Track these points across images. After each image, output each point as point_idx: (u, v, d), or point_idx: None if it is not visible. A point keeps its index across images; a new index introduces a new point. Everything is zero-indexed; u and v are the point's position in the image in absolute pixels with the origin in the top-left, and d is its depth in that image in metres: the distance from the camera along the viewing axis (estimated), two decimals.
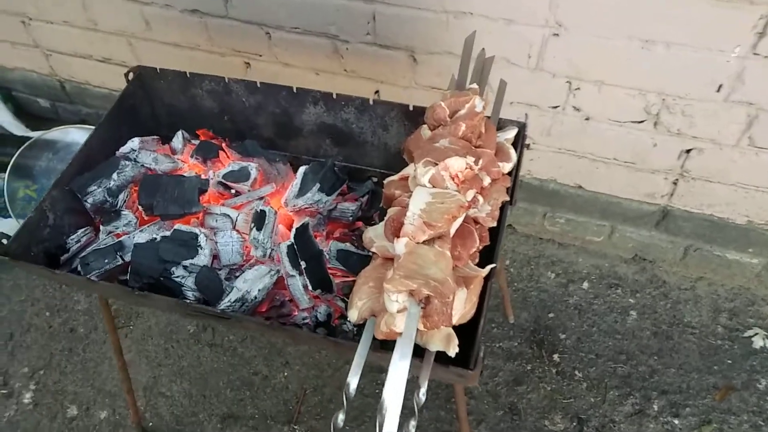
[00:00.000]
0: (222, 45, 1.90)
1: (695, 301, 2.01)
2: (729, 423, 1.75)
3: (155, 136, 1.32)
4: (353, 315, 0.91)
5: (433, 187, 0.91)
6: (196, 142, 1.32)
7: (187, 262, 1.03)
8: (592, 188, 1.90)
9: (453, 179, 0.90)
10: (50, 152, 2.27)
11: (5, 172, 2.14)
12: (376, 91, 1.86)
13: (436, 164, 0.91)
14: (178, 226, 1.06)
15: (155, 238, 1.05)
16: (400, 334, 0.82)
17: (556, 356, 1.92)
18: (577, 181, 1.90)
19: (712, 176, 1.69)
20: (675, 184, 1.76)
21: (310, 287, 1.04)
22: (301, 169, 1.20)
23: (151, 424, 1.88)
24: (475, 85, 1.06)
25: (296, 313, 1.07)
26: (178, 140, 1.31)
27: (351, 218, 1.20)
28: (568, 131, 1.74)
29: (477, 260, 0.94)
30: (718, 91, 1.46)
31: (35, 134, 2.26)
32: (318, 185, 1.15)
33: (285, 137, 1.36)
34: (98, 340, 2.06)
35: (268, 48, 1.86)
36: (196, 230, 1.05)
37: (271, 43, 1.84)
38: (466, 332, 0.89)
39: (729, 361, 1.87)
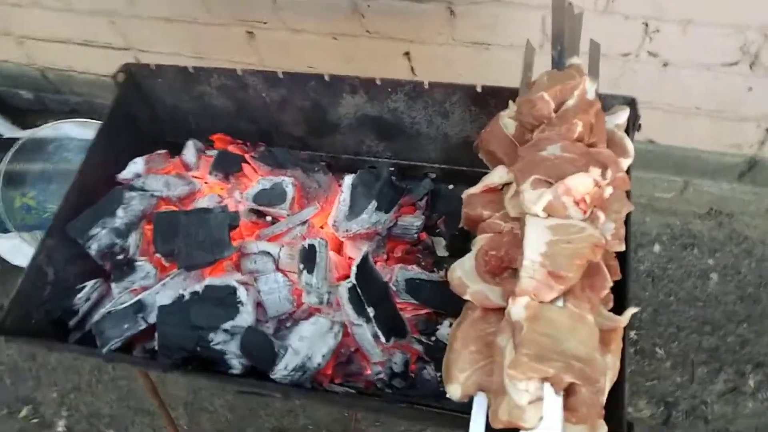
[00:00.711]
0: (222, 14, 1.61)
1: None
2: None
3: (162, 151, 1.07)
4: (455, 392, 0.70)
5: (550, 216, 0.67)
6: (213, 152, 1.07)
7: (227, 325, 0.81)
8: (666, 142, 1.64)
9: (578, 204, 0.66)
10: (43, 153, 2.03)
11: None
12: (406, 53, 1.58)
13: (551, 184, 0.67)
14: (209, 280, 0.83)
15: (183, 296, 0.83)
16: (530, 429, 0.60)
17: (632, 333, 1.72)
18: (648, 135, 1.64)
19: None
20: None
21: (382, 338, 0.83)
22: (348, 180, 0.96)
23: None
24: (577, 60, 0.79)
25: (368, 371, 0.86)
26: (190, 152, 1.06)
27: (415, 234, 0.97)
28: (641, 81, 1.47)
29: (611, 304, 0.71)
30: None
31: (23, 134, 2.00)
32: (374, 203, 0.91)
33: (319, 135, 1.11)
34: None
35: (274, 12, 1.57)
36: (233, 282, 0.82)
37: (276, 6, 1.55)
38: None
39: None
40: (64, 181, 2.04)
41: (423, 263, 0.99)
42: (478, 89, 0.95)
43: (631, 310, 0.69)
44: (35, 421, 1.85)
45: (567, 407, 0.60)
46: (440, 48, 1.55)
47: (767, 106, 1.43)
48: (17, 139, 1.97)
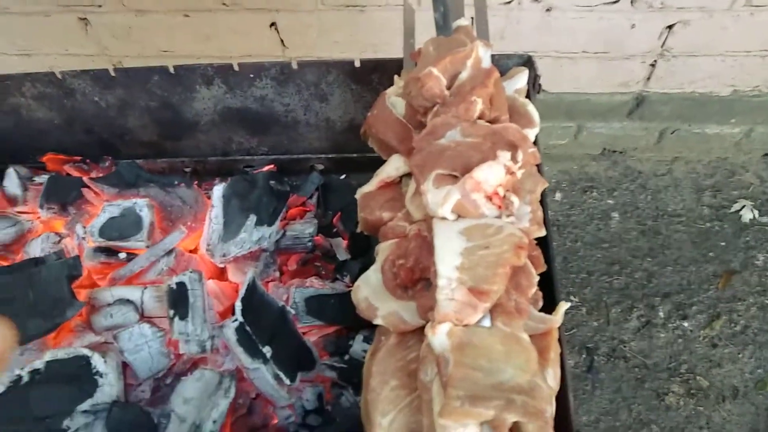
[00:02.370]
0: (38, 1, 1.33)
1: (675, 185, 1.83)
2: (737, 311, 1.64)
3: None
4: None
5: (460, 217, 0.56)
6: (43, 178, 0.85)
7: (85, 405, 0.64)
8: (556, 89, 1.59)
9: (491, 199, 0.55)
10: None
11: None
12: (272, 24, 1.40)
13: (456, 177, 0.55)
14: (51, 353, 0.64)
15: (20, 378, 0.64)
16: None
17: None
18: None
19: (698, 50, 1.42)
20: (653, 66, 1.49)
21: (285, 380, 0.69)
22: (218, 192, 0.79)
23: None
24: (463, 21, 0.67)
25: (275, 419, 0.72)
26: (11, 182, 0.84)
27: (309, 242, 0.83)
28: (526, 30, 1.39)
29: (541, 303, 0.62)
30: None
31: None
32: (253, 217, 0.76)
33: (175, 138, 0.92)
34: None
35: None
36: (84, 351, 0.64)
37: None
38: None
39: (722, 243, 1.74)
40: None
41: (323, 272, 0.85)
42: (356, 64, 0.80)
43: (564, 306, 0.60)
44: None
45: None
46: (310, 15, 1.38)
47: (650, 41, 1.41)
48: None
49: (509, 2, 1.32)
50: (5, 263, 0.77)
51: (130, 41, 1.45)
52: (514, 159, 0.56)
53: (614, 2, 1.30)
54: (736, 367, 1.57)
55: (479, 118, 0.60)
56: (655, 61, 1.47)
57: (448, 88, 0.61)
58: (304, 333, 0.78)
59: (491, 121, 0.64)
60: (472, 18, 0.79)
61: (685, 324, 1.64)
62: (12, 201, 0.85)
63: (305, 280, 0.81)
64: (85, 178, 0.83)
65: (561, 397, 0.60)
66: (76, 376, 0.64)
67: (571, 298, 1.69)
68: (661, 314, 1.65)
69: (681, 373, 1.57)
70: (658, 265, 1.72)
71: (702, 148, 1.80)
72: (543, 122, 1.66)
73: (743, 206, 1.77)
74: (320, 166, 0.96)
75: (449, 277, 0.52)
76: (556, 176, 1.86)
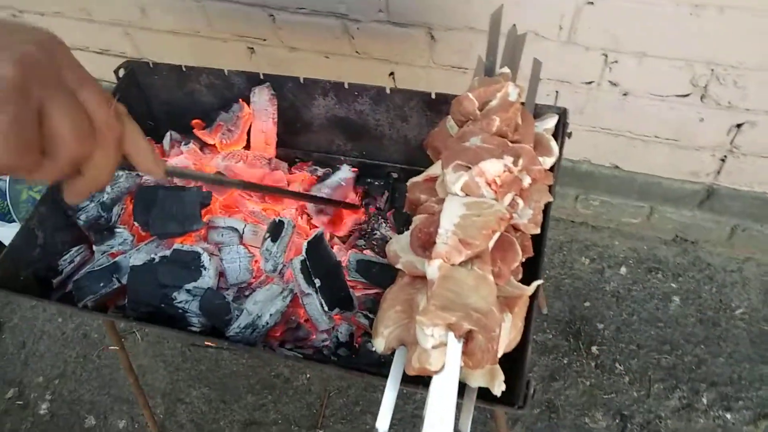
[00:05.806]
0: (223, 30, 1.76)
1: (743, 284, 1.87)
2: None
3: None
4: (379, 345, 0.79)
5: (467, 195, 0.78)
6: (188, 143, 1.18)
7: (189, 286, 0.91)
8: (630, 168, 1.75)
9: (490, 186, 0.77)
10: None
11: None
12: (391, 73, 1.72)
13: (469, 168, 0.78)
14: (177, 245, 0.94)
15: (153, 259, 0.94)
16: (435, 372, 0.70)
17: (594, 348, 1.80)
18: (612, 161, 1.75)
19: (765, 151, 1.53)
20: (723, 161, 1.61)
21: (326, 307, 0.93)
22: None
23: None
24: (506, 69, 0.91)
25: (314, 336, 0.95)
26: (166, 142, 1.19)
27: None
28: (604, 108, 1.58)
29: (520, 275, 0.81)
30: None
31: None
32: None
33: (293, 133, 1.23)
34: (111, 345, 1.98)
35: (273, 31, 1.71)
36: (198, 249, 0.93)
37: (275, 26, 1.69)
38: (509, 358, 0.77)
39: None
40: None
41: (377, 249, 1.09)
42: (432, 96, 1.07)
43: (537, 282, 0.79)
44: (20, 403, 1.94)
45: (465, 352, 0.69)
46: (422, 70, 1.68)
47: (720, 136, 1.54)
48: None
49: (590, 83, 1.53)
50: None
51: (281, 71, 1.83)
52: (515, 163, 0.78)
53: (685, 96, 1.47)
54: None
55: (498, 134, 0.82)
56: (725, 156, 1.59)
57: (480, 110, 0.85)
58: (351, 286, 1.01)
59: (513, 142, 0.86)
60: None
61: (728, 416, 1.65)
62: (164, 154, 1.19)
63: (362, 249, 1.06)
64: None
65: (521, 348, 0.78)
66: (189, 264, 0.92)
67: (616, 365, 1.77)
68: (705, 401, 1.68)
69: None
70: (710, 354, 1.75)
71: None
72: (617, 198, 1.83)
73: None
74: (395, 174, 1.21)
75: (447, 230, 0.74)
76: (624, 252, 1.98)
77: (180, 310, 0.91)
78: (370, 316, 1.00)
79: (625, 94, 1.53)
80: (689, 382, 1.71)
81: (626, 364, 1.76)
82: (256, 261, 0.98)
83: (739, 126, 1.49)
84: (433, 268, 0.73)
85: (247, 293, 0.98)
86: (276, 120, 1.15)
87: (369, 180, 1.19)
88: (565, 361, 1.79)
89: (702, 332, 1.79)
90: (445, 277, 0.72)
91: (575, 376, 1.76)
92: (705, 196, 1.74)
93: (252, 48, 1.80)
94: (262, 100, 1.13)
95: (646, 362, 1.75)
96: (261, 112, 1.14)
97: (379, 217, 1.11)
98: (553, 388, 1.75)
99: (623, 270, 1.94)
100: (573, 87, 1.56)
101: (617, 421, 1.68)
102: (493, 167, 0.76)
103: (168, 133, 1.22)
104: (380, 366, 0.95)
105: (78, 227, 1.06)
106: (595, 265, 1.96)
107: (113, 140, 0.49)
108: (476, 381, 0.74)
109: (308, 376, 1.84)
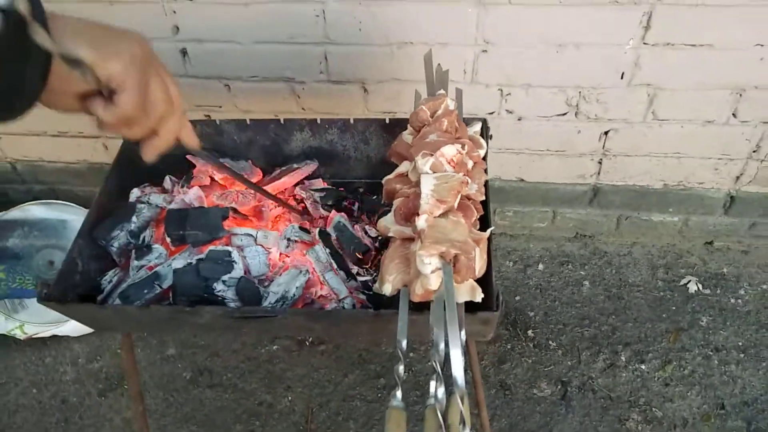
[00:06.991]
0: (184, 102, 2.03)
1: (634, 264, 2.31)
2: (685, 359, 2.03)
3: (145, 184, 1.41)
4: (387, 289, 1.07)
5: (435, 172, 1.11)
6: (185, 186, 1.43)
7: (225, 277, 1.15)
8: (532, 179, 2.16)
9: (449, 163, 1.10)
10: (12, 232, 2.26)
11: None
12: None
13: (432, 154, 1.11)
14: (211, 247, 1.18)
15: (191, 263, 1.17)
16: (435, 291, 0.99)
17: (530, 332, 2.13)
18: (518, 175, 2.16)
19: (629, 151, 2.00)
20: (600, 163, 2.06)
21: (346, 276, 1.20)
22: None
23: None
24: (442, 91, 1.28)
25: (327, 306, 1.21)
26: (167, 184, 1.43)
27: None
28: (505, 132, 2.00)
29: (477, 227, 1.14)
30: (622, 78, 1.77)
31: None
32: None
33: (276, 165, 1.51)
34: (93, 405, 2.06)
35: (229, 99, 2.01)
36: (229, 248, 1.18)
37: (230, 94, 1.99)
38: (481, 282, 1.07)
39: (673, 308, 2.16)
40: (31, 257, 2.28)
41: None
42: (387, 121, 1.41)
43: (490, 229, 1.11)
44: None
45: (454, 271, 1.00)
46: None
47: (594, 143, 2.00)
48: None
49: (492, 113, 1.95)
50: None
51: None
52: (462, 148, 1.13)
53: (563, 114, 1.92)
54: (685, 403, 1.93)
55: (447, 132, 1.17)
56: (601, 159, 2.05)
57: (431, 117, 1.20)
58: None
59: (456, 138, 1.21)
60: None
61: (643, 367, 2.03)
62: (166, 191, 1.43)
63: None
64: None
65: (487, 273, 1.09)
66: (222, 260, 1.16)
67: (550, 342, 2.11)
68: (623, 358, 2.05)
69: (639, 405, 1.94)
70: (620, 322, 2.15)
71: (653, 234, 2.31)
72: (527, 207, 2.23)
73: (689, 281, 2.23)
74: (361, 188, 1.52)
75: (427, 194, 1.06)
76: (539, 252, 2.37)
77: (220, 297, 1.14)
78: (366, 292, 1.28)
79: (519, 119, 1.96)
80: (609, 346, 2.08)
81: (557, 340, 2.11)
82: (271, 258, 1.24)
83: (606, 133, 1.96)
84: (421, 221, 1.04)
85: (266, 284, 1.23)
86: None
87: (342, 192, 1.49)
88: (509, 347, 2.11)
89: (611, 306, 2.19)
90: (432, 226, 1.03)
91: (519, 357, 2.08)
92: (592, 195, 2.19)
93: (209, 115, 2.08)
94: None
95: (573, 336, 2.11)
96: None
97: (357, 218, 1.41)
98: (503, 369, 2.05)
99: (541, 266, 2.33)
100: (479, 115, 1.97)
101: (559, 387, 2.00)
102: (450, 150, 1.10)
103: (167, 177, 1.46)
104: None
105: (110, 257, 1.26)
106: (518, 266, 2.34)
107: (180, 110, 0.76)
108: (462, 296, 1.03)
109: (290, 398, 2.02)
